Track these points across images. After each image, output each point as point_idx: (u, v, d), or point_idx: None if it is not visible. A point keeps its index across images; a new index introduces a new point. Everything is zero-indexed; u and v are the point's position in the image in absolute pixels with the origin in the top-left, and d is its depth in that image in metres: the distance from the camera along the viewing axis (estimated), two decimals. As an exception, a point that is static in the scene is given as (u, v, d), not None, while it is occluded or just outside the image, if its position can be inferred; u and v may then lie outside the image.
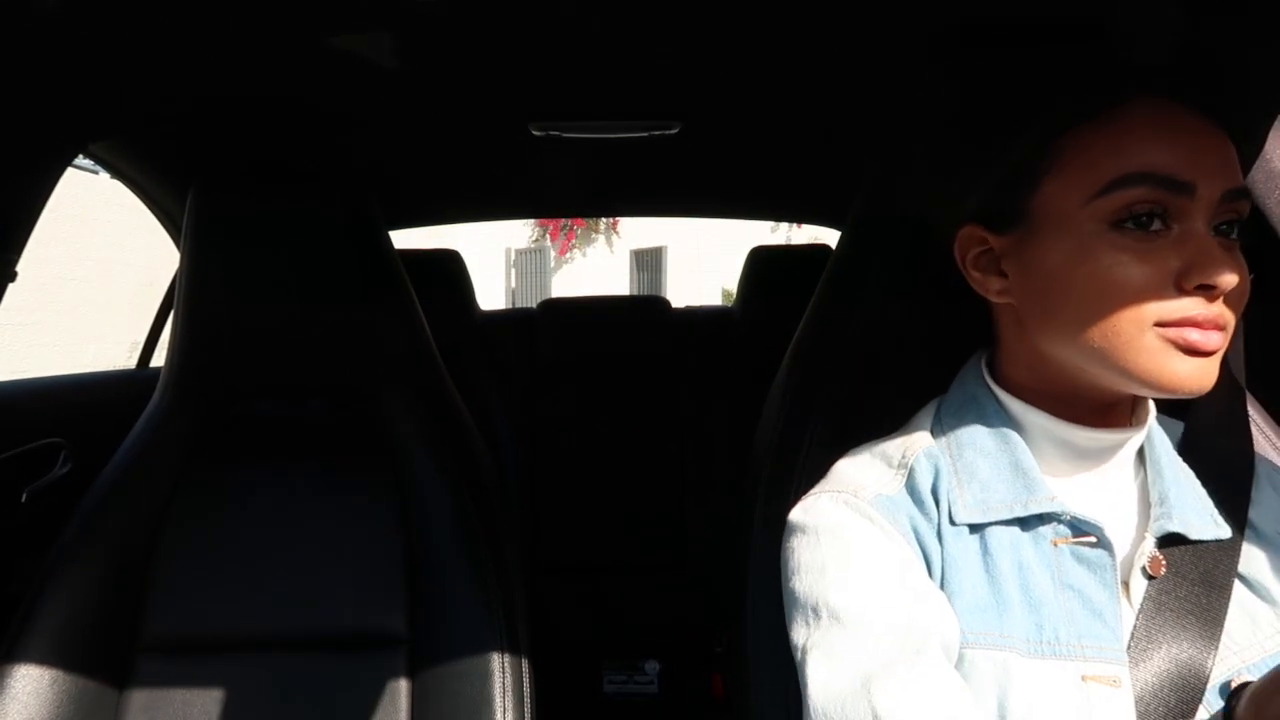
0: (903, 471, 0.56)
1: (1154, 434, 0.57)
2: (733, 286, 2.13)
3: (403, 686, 0.87)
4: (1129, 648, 0.50)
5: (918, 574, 0.52)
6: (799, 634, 0.52)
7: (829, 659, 0.49)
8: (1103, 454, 0.55)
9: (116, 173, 1.29)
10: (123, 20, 0.73)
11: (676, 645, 1.80)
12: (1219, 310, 0.48)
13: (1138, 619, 0.51)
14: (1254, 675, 0.48)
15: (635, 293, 10.17)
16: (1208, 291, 0.48)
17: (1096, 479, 0.55)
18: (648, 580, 1.80)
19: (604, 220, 10.38)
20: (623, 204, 2.03)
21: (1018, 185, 0.53)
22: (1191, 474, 0.56)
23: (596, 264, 10.80)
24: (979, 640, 0.50)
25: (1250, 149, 0.69)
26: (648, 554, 1.79)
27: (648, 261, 10.65)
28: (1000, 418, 0.56)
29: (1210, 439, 0.58)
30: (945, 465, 0.56)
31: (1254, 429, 0.64)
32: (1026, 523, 0.53)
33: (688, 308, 2.04)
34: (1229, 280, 0.47)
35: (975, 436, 0.56)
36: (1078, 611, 0.50)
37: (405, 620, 0.89)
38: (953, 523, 0.53)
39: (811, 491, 0.58)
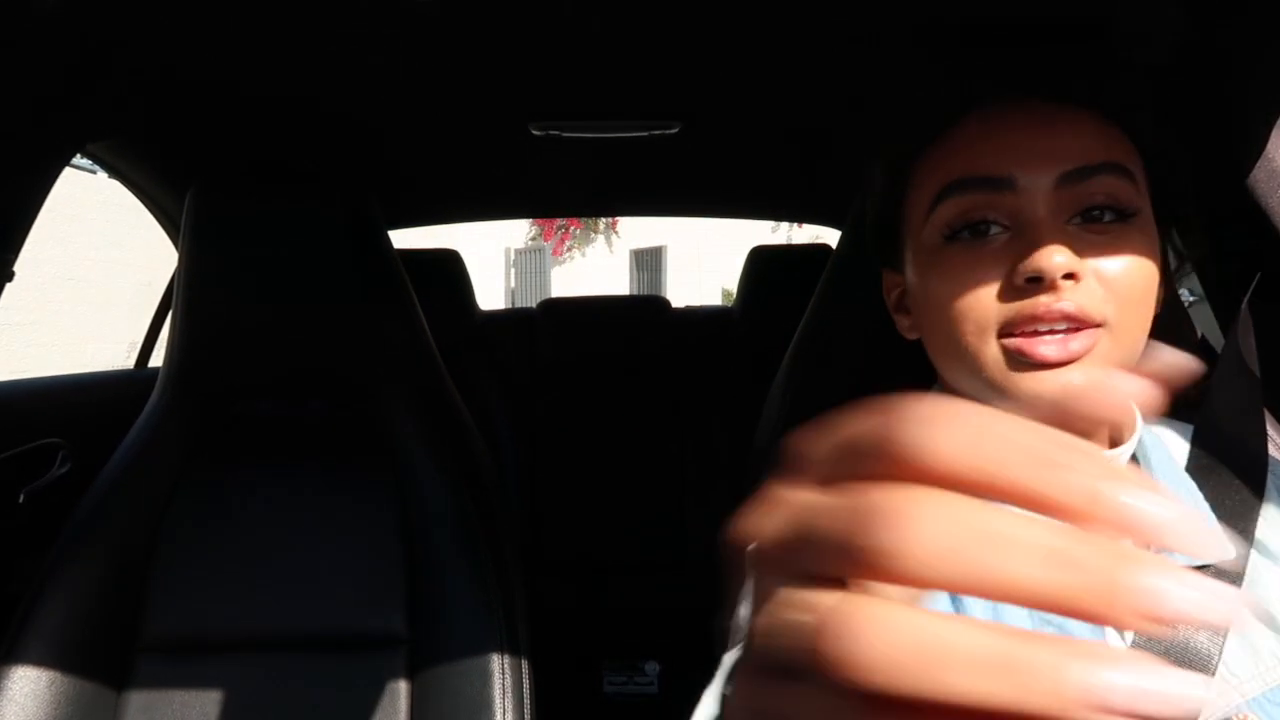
0: None
1: (1148, 447, 0.52)
2: (733, 286, 2.13)
3: (402, 687, 0.87)
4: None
5: None
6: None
7: None
8: None
9: (115, 172, 1.29)
10: (121, 20, 0.72)
11: (676, 645, 1.80)
12: (1071, 301, 0.43)
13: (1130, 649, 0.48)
14: (1255, 712, 0.45)
15: (635, 293, 10.17)
16: (1038, 283, 0.44)
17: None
18: (648, 580, 1.80)
19: (603, 220, 10.37)
20: (623, 204, 2.02)
21: (889, 218, 0.53)
22: (1191, 486, 0.51)
23: (596, 264, 10.80)
24: None
25: (1251, 149, 0.69)
26: (648, 554, 1.79)
27: (647, 261, 10.64)
28: None
29: (1222, 444, 0.54)
30: None
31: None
32: None
33: (688, 308, 2.03)
34: (1059, 265, 0.42)
35: None
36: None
37: (405, 620, 0.89)
38: None
39: None
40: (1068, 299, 0.43)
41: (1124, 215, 0.46)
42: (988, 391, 0.49)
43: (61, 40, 0.75)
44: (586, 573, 1.80)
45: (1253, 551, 0.51)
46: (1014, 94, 0.49)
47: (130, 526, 0.91)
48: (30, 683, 0.80)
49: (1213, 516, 0.51)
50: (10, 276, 0.90)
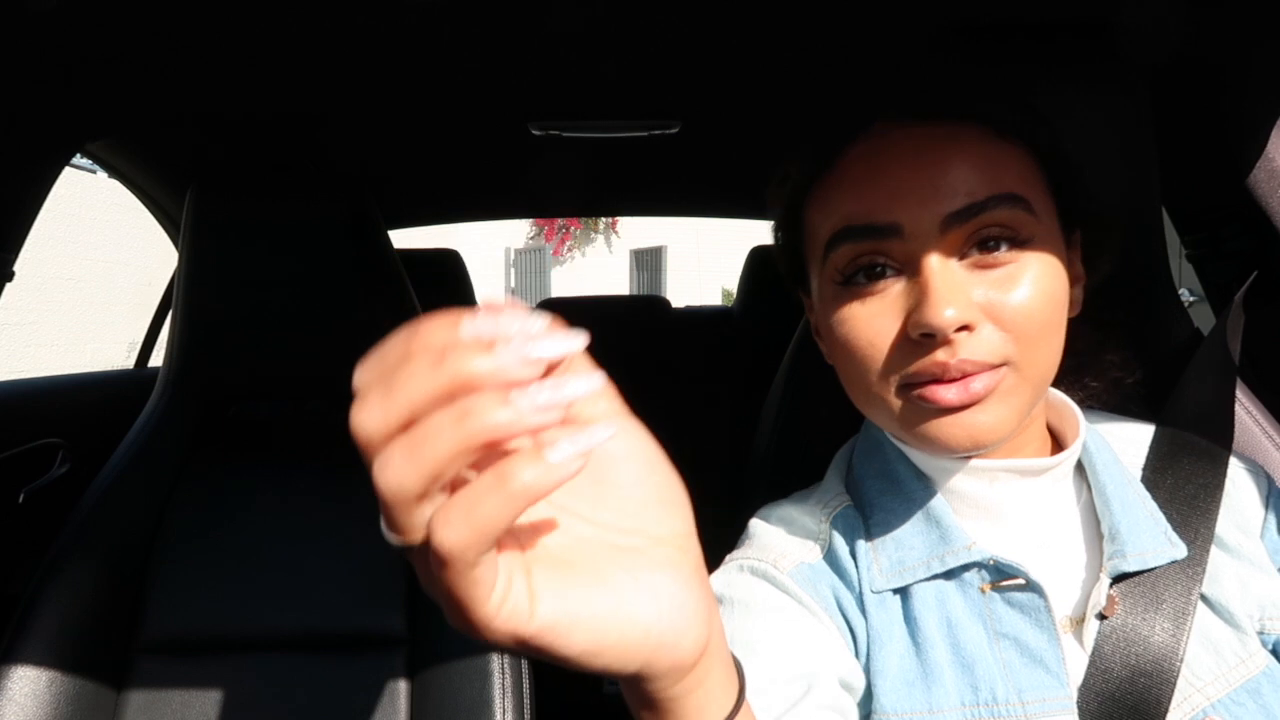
0: (824, 533, 0.52)
1: (1092, 450, 0.52)
2: (733, 286, 2.13)
3: (402, 687, 0.87)
4: (1080, 692, 0.46)
5: (834, 655, 0.48)
6: None
7: None
8: (1023, 487, 0.50)
9: (115, 172, 1.29)
10: (121, 19, 0.72)
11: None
12: (967, 353, 0.43)
13: (1090, 660, 0.46)
14: (1221, 713, 0.45)
15: (635, 292, 10.17)
16: (931, 339, 0.43)
17: (1022, 514, 0.50)
18: (647, 580, 1.79)
19: (603, 220, 10.37)
20: (623, 204, 2.02)
21: (792, 253, 0.53)
22: (1139, 488, 0.51)
23: (596, 264, 10.80)
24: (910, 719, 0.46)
25: (1251, 149, 0.69)
26: (647, 554, 1.79)
27: (647, 261, 10.65)
28: (904, 465, 0.52)
29: (1183, 442, 0.54)
30: (859, 527, 0.52)
31: (1249, 420, 0.64)
32: (951, 572, 0.49)
33: (688, 308, 2.03)
34: (950, 320, 0.42)
35: (884, 489, 0.52)
36: (1015, 662, 0.46)
37: (404, 620, 0.89)
38: (873, 590, 0.49)
39: (734, 555, 0.54)
40: (964, 352, 0.43)
41: (1018, 243, 0.45)
42: (896, 434, 0.49)
43: (61, 40, 0.75)
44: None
45: (1213, 548, 0.50)
46: (897, 117, 0.47)
47: (130, 526, 0.91)
48: (30, 682, 0.80)
49: (1162, 518, 0.50)
50: (10, 276, 0.90)
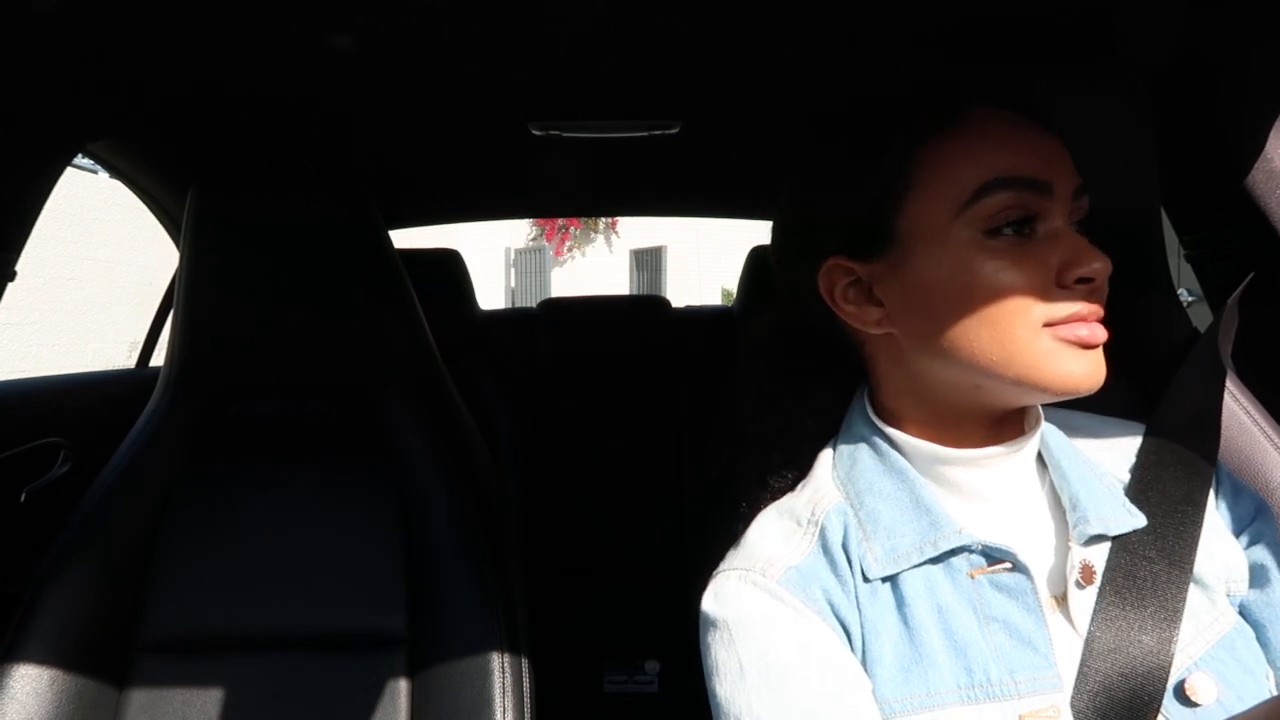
0: (813, 530, 0.53)
1: (1046, 434, 0.55)
2: (733, 286, 2.13)
3: (402, 686, 0.87)
4: (1081, 663, 0.48)
5: (838, 659, 0.49)
6: None
7: None
8: (1002, 471, 0.53)
9: (116, 172, 1.29)
10: (122, 19, 0.73)
11: (677, 645, 1.80)
12: (1098, 302, 0.49)
13: (1091, 629, 0.48)
14: (1204, 670, 0.48)
15: (635, 292, 10.17)
16: (1088, 284, 0.48)
17: (1003, 498, 0.53)
18: (648, 580, 1.80)
19: (603, 220, 10.37)
20: (623, 204, 2.03)
21: (879, 208, 0.51)
22: (1093, 465, 0.54)
23: (596, 264, 10.80)
24: (909, 706, 0.47)
25: (1250, 149, 0.69)
26: (648, 554, 1.79)
27: (647, 261, 10.65)
28: (892, 455, 0.54)
29: (1172, 450, 0.55)
30: (851, 519, 0.53)
31: (1246, 420, 0.64)
32: (939, 559, 0.50)
33: (688, 308, 2.03)
34: (1106, 269, 0.48)
35: (872, 480, 0.53)
36: (1006, 644, 0.48)
37: (405, 620, 0.89)
38: (866, 579, 0.51)
39: (722, 567, 0.55)
40: (1097, 301, 0.49)
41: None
42: (1003, 382, 0.49)
43: (61, 40, 0.75)
44: (586, 572, 1.80)
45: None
46: (1003, 103, 0.51)
47: (130, 526, 0.91)
48: (32, 681, 0.81)
49: (1119, 490, 0.54)
50: (12, 276, 0.90)
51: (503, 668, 0.84)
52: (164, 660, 0.88)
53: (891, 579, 0.50)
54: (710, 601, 0.53)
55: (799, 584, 0.51)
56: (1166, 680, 0.47)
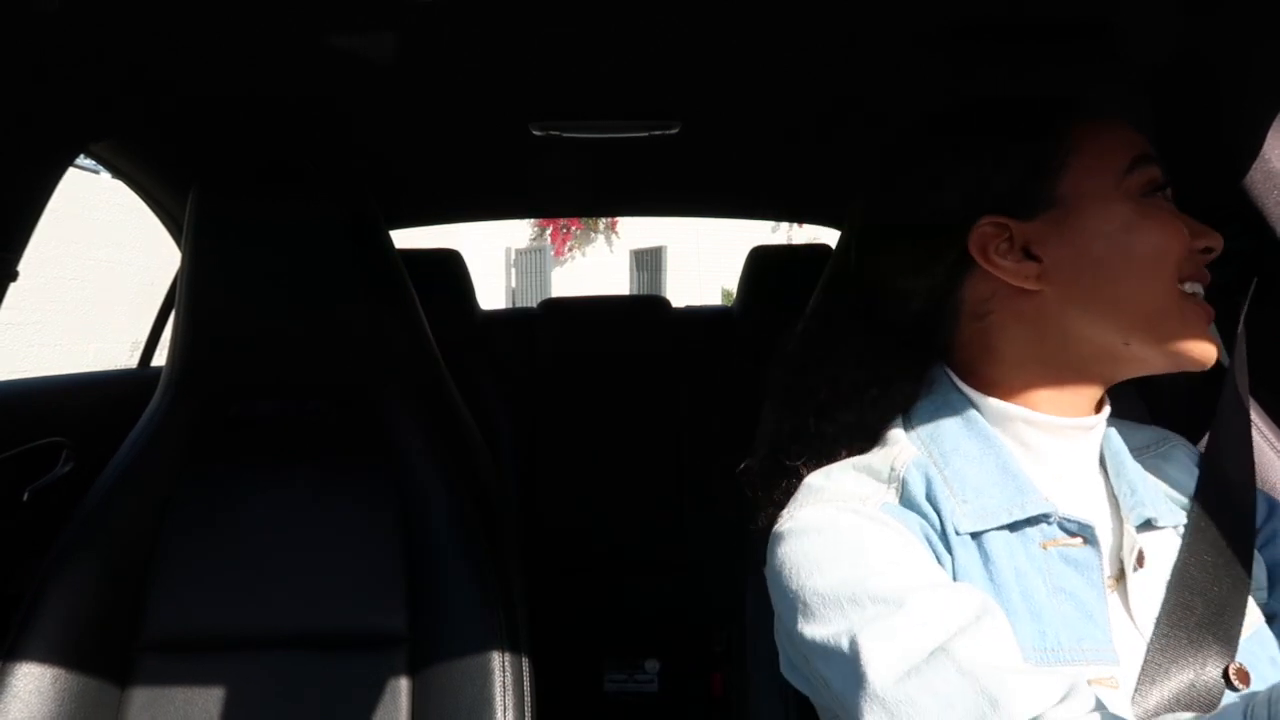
0: (895, 485, 0.54)
1: (1107, 428, 0.58)
2: (733, 286, 2.13)
3: (403, 685, 0.87)
4: (1150, 644, 0.50)
5: (945, 572, 0.51)
6: (831, 626, 0.47)
7: (888, 639, 0.45)
8: (1080, 445, 0.56)
9: (118, 172, 1.29)
10: (123, 19, 0.73)
11: (676, 644, 1.80)
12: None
13: (1161, 611, 0.51)
14: (1243, 656, 0.49)
15: (635, 292, 10.17)
16: (1210, 254, 0.54)
17: (1077, 472, 0.56)
18: (647, 579, 1.80)
19: (603, 220, 10.37)
20: (623, 204, 2.03)
21: (1041, 173, 0.55)
22: (1141, 466, 0.58)
23: (596, 264, 10.80)
24: None
25: (1249, 149, 0.69)
26: (648, 553, 1.79)
27: (647, 261, 10.65)
28: (978, 422, 0.55)
29: (1222, 491, 0.57)
30: (935, 475, 0.54)
31: (1256, 435, 0.64)
32: (1015, 526, 0.52)
33: (688, 308, 2.04)
34: (1220, 245, 0.55)
35: (958, 442, 0.55)
36: (1072, 615, 0.50)
37: (405, 619, 0.89)
38: (956, 532, 0.52)
39: (800, 503, 0.55)
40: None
41: None
42: (1148, 345, 0.53)
43: (63, 40, 0.75)
44: (586, 572, 1.80)
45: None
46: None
47: (132, 525, 0.91)
48: (34, 680, 0.81)
49: (1163, 485, 0.57)
50: (14, 276, 0.90)
51: (503, 667, 0.84)
52: (165, 659, 0.88)
53: (977, 536, 0.52)
54: (795, 523, 0.53)
55: (897, 515, 0.52)
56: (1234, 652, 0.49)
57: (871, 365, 0.59)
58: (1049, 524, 0.52)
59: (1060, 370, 0.55)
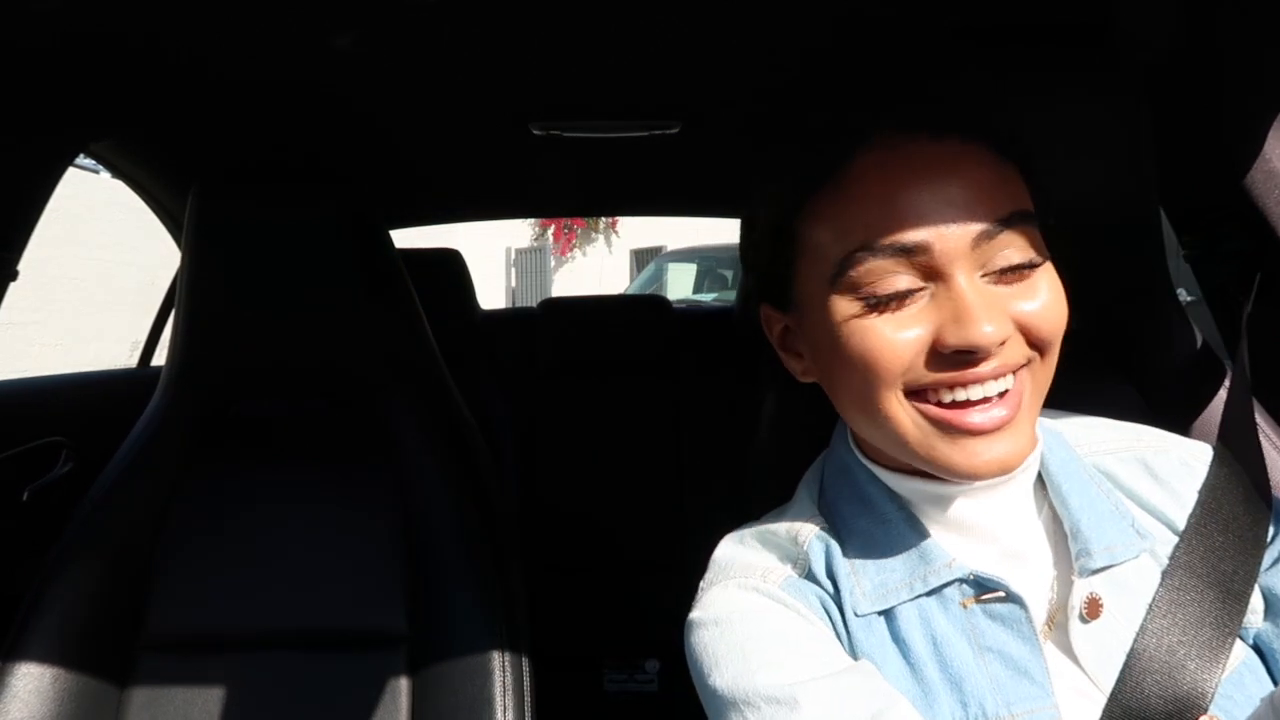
0: (802, 560, 0.52)
1: (1047, 455, 0.52)
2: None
3: (403, 685, 0.87)
4: (1113, 692, 0.45)
5: (844, 652, 0.48)
6: None
7: None
8: (994, 499, 0.50)
9: (118, 172, 1.29)
10: (123, 20, 0.73)
11: (677, 644, 1.80)
12: (999, 362, 0.44)
13: (1128, 662, 0.45)
14: (1213, 711, 0.45)
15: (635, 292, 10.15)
16: (969, 356, 0.44)
17: (997, 526, 0.50)
18: (648, 579, 1.80)
19: (603, 220, 10.37)
20: (623, 204, 2.03)
21: (777, 266, 0.51)
22: (1100, 483, 0.52)
23: (596, 263, 10.80)
24: None
25: (1249, 149, 0.69)
26: (648, 553, 1.79)
27: (647, 261, 10.64)
28: (876, 486, 0.52)
29: (1238, 501, 0.52)
30: (835, 551, 0.51)
31: (1265, 442, 0.63)
32: (932, 591, 0.48)
33: (688, 308, 2.04)
34: (991, 337, 0.43)
35: (858, 511, 0.52)
36: (1002, 675, 0.46)
37: (405, 619, 0.89)
38: (856, 614, 0.49)
39: (708, 582, 0.53)
40: (998, 361, 0.44)
41: (1037, 255, 0.46)
42: (899, 453, 0.48)
43: (65, 41, 0.75)
44: (587, 571, 1.80)
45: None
46: (902, 130, 0.46)
47: (132, 525, 0.91)
48: (34, 679, 0.81)
49: (1128, 512, 0.51)
50: (14, 276, 0.91)
51: (503, 666, 0.84)
52: (166, 658, 0.88)
53: (885, 613, 0.49)
54: (703, 610, 0.51)
55: (800, 591, 0.50)
56: (1203, 709, 0.45)
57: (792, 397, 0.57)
58: (964, 583, 0.48)
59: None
